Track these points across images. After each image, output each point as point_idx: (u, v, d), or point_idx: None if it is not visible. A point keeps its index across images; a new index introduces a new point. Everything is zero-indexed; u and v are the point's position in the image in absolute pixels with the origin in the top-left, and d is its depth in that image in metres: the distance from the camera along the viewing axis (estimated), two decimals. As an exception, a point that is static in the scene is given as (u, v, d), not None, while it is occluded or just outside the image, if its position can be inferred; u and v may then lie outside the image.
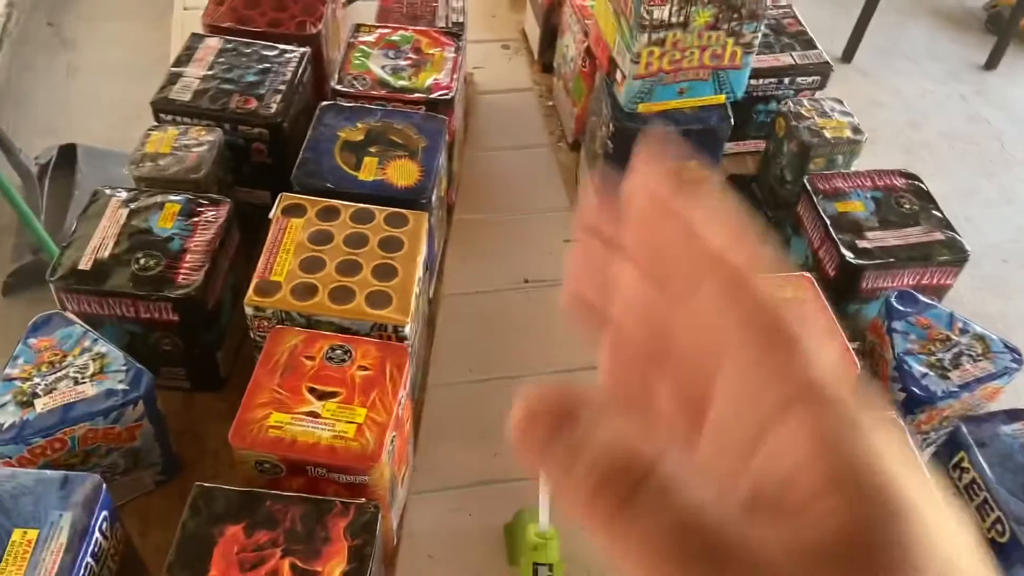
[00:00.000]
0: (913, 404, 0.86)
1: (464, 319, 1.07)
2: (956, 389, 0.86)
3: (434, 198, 0.96)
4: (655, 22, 0.96)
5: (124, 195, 0.94)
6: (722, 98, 1.06)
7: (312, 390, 0.76)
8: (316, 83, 1.19)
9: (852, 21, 3.04)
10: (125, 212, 0.92)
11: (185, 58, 1.10)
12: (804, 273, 0.91)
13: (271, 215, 0.90)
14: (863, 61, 3.09)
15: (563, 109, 1.31)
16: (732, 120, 1.06)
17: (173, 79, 1.07)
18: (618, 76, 1.04)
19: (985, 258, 2.50)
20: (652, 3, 0.94)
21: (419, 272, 0.87)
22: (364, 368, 0.78)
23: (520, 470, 0.93)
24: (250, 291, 0.83)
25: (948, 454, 0.81)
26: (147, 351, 0.90)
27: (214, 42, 1.13)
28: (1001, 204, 2.66)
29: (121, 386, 0.79)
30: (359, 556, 0.67)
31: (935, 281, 0.99)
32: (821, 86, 1.23)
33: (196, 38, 1.13)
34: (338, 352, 0.79)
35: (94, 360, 0.81)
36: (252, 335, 0.86)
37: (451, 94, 1.06)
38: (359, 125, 1.00)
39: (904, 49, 3.22)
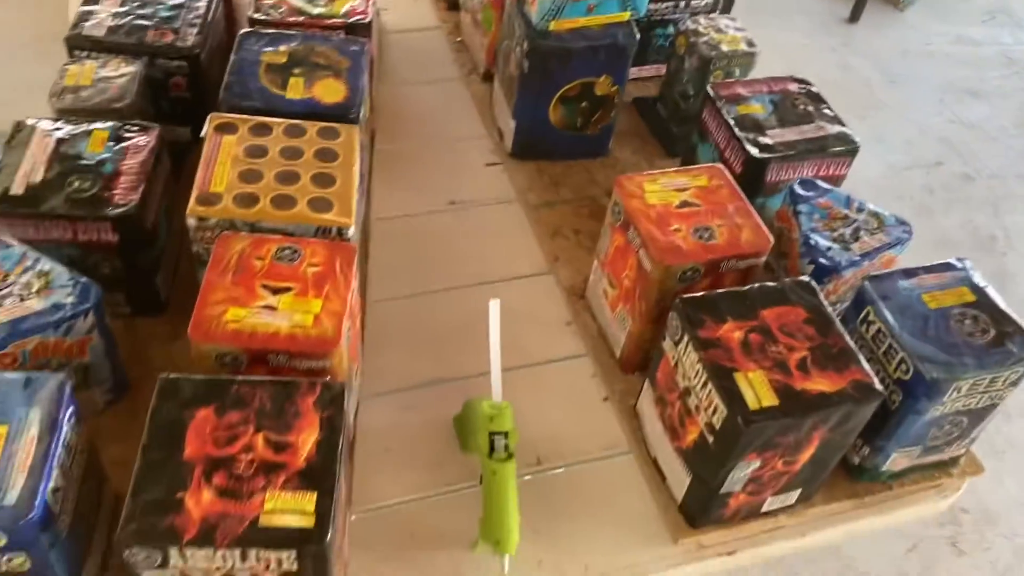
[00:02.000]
0: (821, 273, 0.94)
1: (396, 241, 1.11)
2: (858, 258, 0.95)
3: (362, 115, 0.99)
4: (562, -62, 1.01)
5: (48, 125, 0.93)
6: (627, 15, 1.12)
7: (266, 287, 0.79)
8: (227, 21, 1.19)
9: (727, -20, 3.18)
10: (51, 141, 0.92)
11: (94, -4, 1.10)
12: (716, 164, 0.98)
13: (203, 133, 0.91)
14: (739, 16, 3.24)
15: (472, 42, 1.35)
16: (638, 36, 1.12)
17: (85, 16, 1.07)
18: (529, -4, 1.09)
19: (862, 192, 2.68)
20: (559, -81, 0.99)
21: (356, 179, 0.90)
22: (314, 265, 0.81)
23: (464, 369, 0.98)
24: (191, 202, 0.84)
25: (855, 309, 0.89)
26: (86, 276, 0.90)
27: (123, -20, 1.12)
28: (872, 143, 2.84)
29: (70, 299, 0.80)
30: (330, 426, 0.70)
31: (830, 172, 1.08)
32: (714, 8, 1.31)
33: (103, -23, 1.12)
34: (287, 252, 0.82)
35: (38, 277, 0.81)
36: (194, 248, 0.87)
37: (368, 18, 1.09)
38: (281, 48, 1.02)
39: (776, 5, 3.38)
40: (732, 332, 0.82)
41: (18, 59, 2.66)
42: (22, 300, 0.79)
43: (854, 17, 3.34)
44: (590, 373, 1.00)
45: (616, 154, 1.25)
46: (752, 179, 1.04)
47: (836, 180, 1.09)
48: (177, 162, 1.03)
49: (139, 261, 0.91)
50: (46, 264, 0.82)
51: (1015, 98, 3.14)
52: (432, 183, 1.19)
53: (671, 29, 1.31)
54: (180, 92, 1.08)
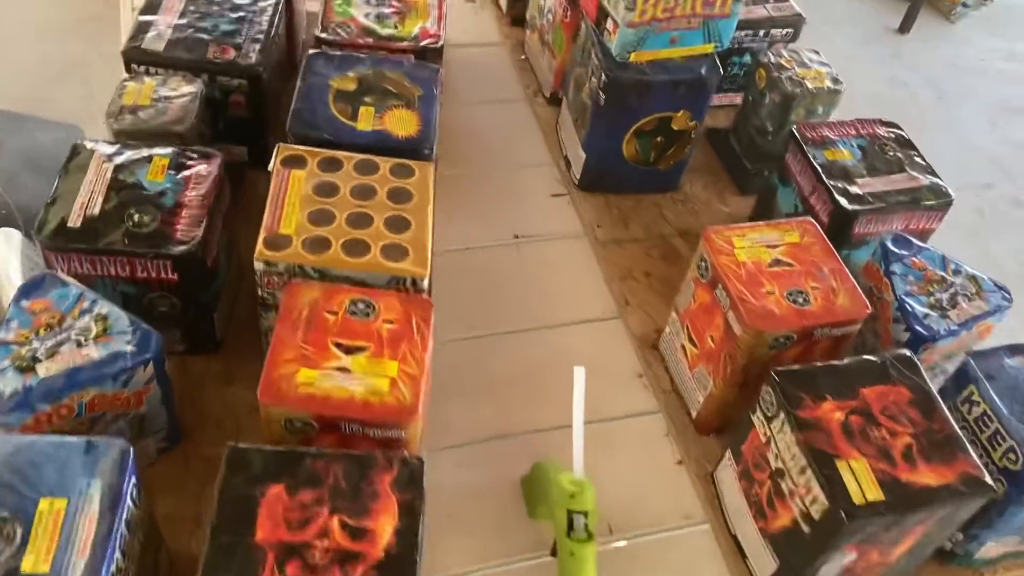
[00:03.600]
0: (917, 343, 0.88)
1: (458, 276, 1.05)
2: (956, 328, 0.89)
3: (435, 148, 0.93)
4: (653, -31, 0.95)
5: (107, 148, 0.88)
6: (711, 47, 1.06)
7: (338, 345, 0.74)
8: (288, 32, 1.14)
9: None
10: (110, 166, 0.87)
11: (153, 6, 1.04)
12: (807, 217, 0.92)
13: (270, 167, 0.86)
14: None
15: (538, 62, 1.29)
16: (721, 70, 1.06)
17: (143, 28, 1.01)
18: (609, 25, 1.03)
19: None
20: (652, -51, 0.93)
21: (431, 224, 0.85)
22: (389, 322, 0.76)
23: (530, 423, 0.93)
24: (259, 245, 0.79)
25: (956, 388, 0.84)
26: (141, 313, 0.85)
27: (181, -11, 1.07)
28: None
29: (129, 347, 0.75)
30: (410, 511, 0.65)
31: (921, 226, 1.02)
32: (794, 38, 1.25)
33: (162, -16, 1.07)
34: (360, 306, 0.77)
35: (97, 322, 0.76)
36: (259, 292, 0.82)
37: (440, 42, 1.03)
38: (350, 74, 0.96)
39: (824, 14, 3.29)
40: (832, 413, 0.76)
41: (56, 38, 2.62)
42: (79, 346, 0.74)
43: (904, 28, 3.25)
44: (663, 432, 0.95)
45: (686, 189, 1.19)
46: (838, 230, 0.98)
47: (926, 234, 1.03)
48: (233, 183, 0.98)
49: (198, 299, 0.87)
50: (104, 306, 0.77)
51: (1067, 120, 3.07)
52: (496, 214, 1.13)
53: (747, 58, 1.25)
54: (239, 111, 1.03)
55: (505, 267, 1.08)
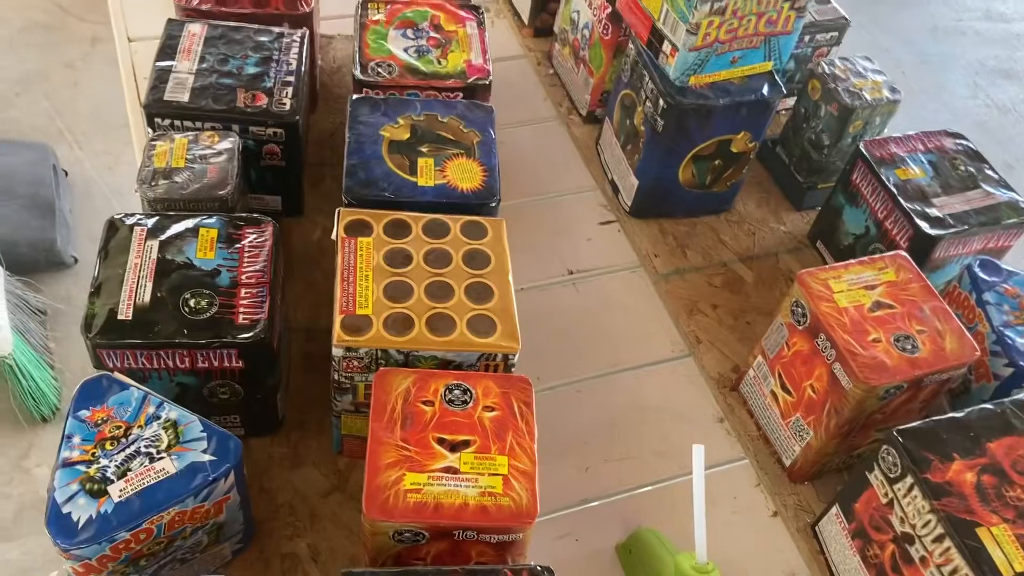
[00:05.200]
0: (1021, 379, 0.85)
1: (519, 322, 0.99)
2: (1060, 360, 0.85)
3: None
4: (719, -10, 0.89)
5: (146, 222, 0.80)
6: (770, 65, 1.00)
7: (441, 441, 0.67)
8: (310, 65, 1.06)
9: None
10: (155, 244, 0.79)
11: (169, 49, 0.96)
12: (901, 252, 0.87)
13: (334, 236, 0.79)
14: None
15: (571, 78, 1.22)
16: (784, 88, 1.00)
17: (162, 76, 0.93)
18: (666, 48, 0.96)
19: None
20: (720, -30, 0.87)
21: (513, 288, 0.78)
22: (490, 408, 0.70)
23: (618, 483, 0.87)
24: (337, 329, 0.72)
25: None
26: (199, 402, 0.78)
27: (197, 28, 0.98)
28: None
29: (207, 457, 0.68)
30: (551, 632, 0.60)
31: (1000, 244, 0.98)
32: (837, 42, 1.19)
33: (175, 25, 0.98)
34: (457, 393, 0.70)
35: (166, 429, 0.69)
36: (336, 376, 0.75)
37: (489, 77, 0.96)
38: (400, 121, 0.89)
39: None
40: (963, 474, 0.72)
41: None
42: (152, 460, 0.67)
43: (880, -9, 3.22)
44: (753, 482, 0.90)
45: (739, 208, 1.14)
46: (918, 255, 0.94)
47: (1003, 252, 0.99)
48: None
49: (264, 383, 0.80)
50: (172, 410, 0.70)
51: (1049, 79, 3.07)
52: (545, 247, 1.07)
53: (792, 64, 1.19)
54: (274, 160, 0.95)
55: (564, 308, 1.02)
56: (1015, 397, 0.78)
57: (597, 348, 0.99)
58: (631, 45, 1.03)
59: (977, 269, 0.92)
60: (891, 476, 0.74)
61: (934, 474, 0.72)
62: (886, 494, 0.75)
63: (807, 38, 1.16)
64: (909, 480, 0.72)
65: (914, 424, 0.75)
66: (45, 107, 2.39)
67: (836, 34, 1.18)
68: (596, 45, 1.12)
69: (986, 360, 0.88)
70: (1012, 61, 3.10)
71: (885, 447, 0.75)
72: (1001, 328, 0.87)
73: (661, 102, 0.98)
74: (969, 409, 0.77)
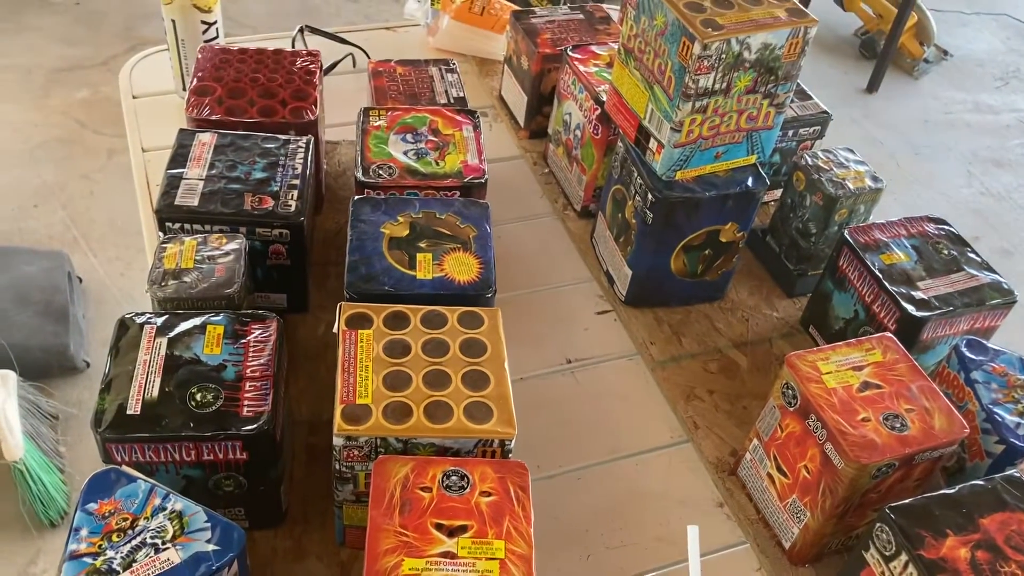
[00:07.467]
0: (1013, 456, 0.86)
1: (518, 410, 1.01)
2: (1049, 435, 0.87)
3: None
4: (700, 90, 0.94)
5: (156, 321, 0.83)
6: (753, 159, 1.05)
7: (439, 526, 0.69)
8: (315, 170, 1.11)
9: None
10: (163, 341, 0.82)
11: (180, 157, 1.01)
12: (886, 334, 0.90)
13: (335, 329, 0.82)
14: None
15: (565, 176, 1.27)
16: (767, 180, 1.04)
17: (173, 183, 0.98)
18: (652, 145, 1.01)
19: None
20: (699, 72, 0.92)
21: (510, 375, 0.81)
22: (487, 494, 0.72)
23: (621, 571, 0.88)
24: (338, 419, 0.75)
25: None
26: (205, 495, 0.80)
27: (207, 137, 1.04)
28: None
29: (211, 546, 0.70)
30: None
31: (986, 324, 1.00)
32: (820, 135, 1.25)
33: (186, 134, 1.04)
34: (454, 479, 0.72)
35: (171, 520, 0.71)
36: (337, 466, 0.77)
37: (484, 176, 1.00)
38: (400, 219, 0.93)
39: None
40: (957, 550, 0.73)
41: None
42: (156, 551, 0.69)
43: (872, 87, 3.32)
44: (754, 567, 0.90)
45: (732, 295, 1.17)
46: (906, 337, 0.96)
47: (990, 332, 1.02)
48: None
49: (267, 475, 0.81)
50: (177, 501, 0.72)
51: (1041, 167, 3.13)
52: (543, 337, 1.10)
53: (776, 157, 1.24)
54: (279, 259, 0.99)
55: (563, 396, 1.04)
56: (1006, 473, 0.79)
57: (596, 435, 1.00)
58: (620, 143, 1.08)
59: (964, 349, 0.94)
60: (886, 554, 0.75)
61: (928, 551, 0.72)
62: (883, 573, 0.75)
63: (791, 132, 1.22)
64: (904, 557, 0.73)
65: (907, 501, 0.76)
66: (62, 216, 2.47)
67: (819, 128, 1.23)
68: (587, 144, 1.18)
69: (978, 438, 0.90)
70: (1004, 150, 3.18)
71: (879, 524, 0.75)
72: (990, 406, 0.89)
73: (650, 196, 1.02)
74: (961, 485, 0.78)
